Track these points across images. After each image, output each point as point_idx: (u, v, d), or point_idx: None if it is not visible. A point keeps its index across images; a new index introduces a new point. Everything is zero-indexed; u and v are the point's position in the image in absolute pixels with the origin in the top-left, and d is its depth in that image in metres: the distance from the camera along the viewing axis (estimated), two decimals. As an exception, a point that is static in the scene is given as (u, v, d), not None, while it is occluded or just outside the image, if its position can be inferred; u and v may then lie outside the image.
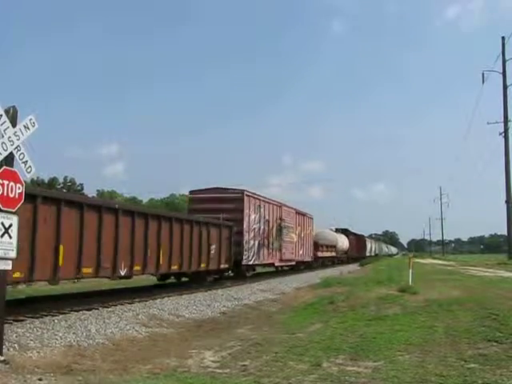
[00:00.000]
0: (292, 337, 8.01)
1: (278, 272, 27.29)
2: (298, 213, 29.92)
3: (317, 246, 35.60)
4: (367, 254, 64.03)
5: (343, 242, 46.81)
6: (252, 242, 20.61)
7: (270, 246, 23.11)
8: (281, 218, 25.02)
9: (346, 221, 68.24)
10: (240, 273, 20.33)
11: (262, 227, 21.99)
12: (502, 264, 33.20)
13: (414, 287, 13.46)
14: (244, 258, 19.67)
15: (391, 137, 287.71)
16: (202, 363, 6.37)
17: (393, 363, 5.97)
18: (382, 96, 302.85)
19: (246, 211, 20.01)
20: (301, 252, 29.90)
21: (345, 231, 51.38)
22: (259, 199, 21.75)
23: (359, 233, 61.94)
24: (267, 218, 22.77)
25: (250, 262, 20.60)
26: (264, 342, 7.58)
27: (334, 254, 42.21)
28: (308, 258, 32.24)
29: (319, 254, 36.15)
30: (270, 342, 7.64)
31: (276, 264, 25.00)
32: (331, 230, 45.38)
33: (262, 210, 21.84)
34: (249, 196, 20.72)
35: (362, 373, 5.59)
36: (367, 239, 67.90)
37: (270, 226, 23.21)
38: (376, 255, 73.57)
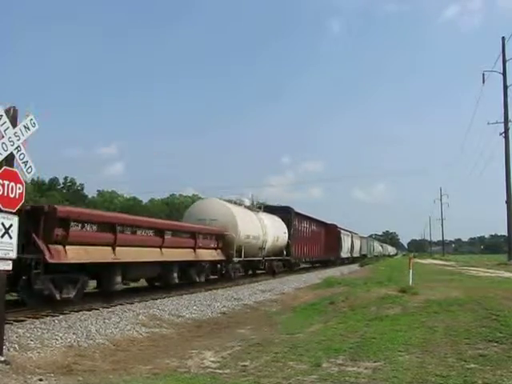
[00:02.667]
0: (292, 337, 8.02)
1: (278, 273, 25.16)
2: None
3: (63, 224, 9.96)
4: (343, 256, 42.39)
5: (266, 232, 22.30)
6: None
7: None
8: None
9: (346, 221, 64.02)
10: None
11: None
12: (503, 264, 33.21)
13: (414, 287, 13.45)
14: None
15: (392, 137, 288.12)
16: (202, 363, 6.38)
17: (393, 363, 5.97)
18: (383, 96, 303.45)
19: None
20: None
21: (283, 212, 26.32)
22: None
23: (329, 222, 38.98)
24: None
25: None
26: (264, 343, 7.58)
27: (214, 256, 17.63)
28: None
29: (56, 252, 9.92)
30: (270, 342, 7.65)
31: None
32: (234, 202, 21.32)
33: None
34: None
35: (362, 373, 5.60)
36: (344, 232, 43.52)
37: None
38: (364, 256, 57.42)
